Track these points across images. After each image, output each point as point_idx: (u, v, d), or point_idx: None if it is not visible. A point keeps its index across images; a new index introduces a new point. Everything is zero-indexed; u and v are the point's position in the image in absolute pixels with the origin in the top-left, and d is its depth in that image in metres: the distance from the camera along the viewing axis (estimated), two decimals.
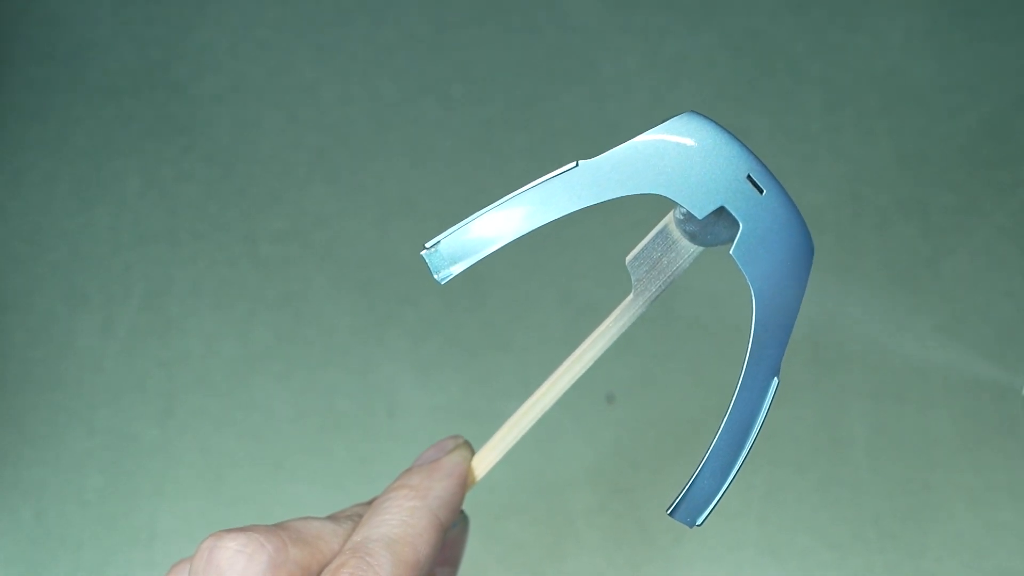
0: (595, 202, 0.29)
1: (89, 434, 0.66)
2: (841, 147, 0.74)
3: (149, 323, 0.69)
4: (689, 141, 0.29)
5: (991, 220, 0.73)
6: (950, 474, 0.66)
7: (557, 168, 0.29)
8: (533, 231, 0.30)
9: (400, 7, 0.78)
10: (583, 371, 0.34)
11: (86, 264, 0.70)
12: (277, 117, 0.75)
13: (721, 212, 0.29)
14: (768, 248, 0.29)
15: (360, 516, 0.32)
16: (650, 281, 0.32)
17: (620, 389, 0.68)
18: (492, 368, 0.68)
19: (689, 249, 0.31)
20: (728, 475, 0.31)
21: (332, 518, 0.32)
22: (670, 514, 0.31)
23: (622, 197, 0.29)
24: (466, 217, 0.30)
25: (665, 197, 0.29)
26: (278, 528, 0.30)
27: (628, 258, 0.32)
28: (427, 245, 0.30)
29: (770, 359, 0.30)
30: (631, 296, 0.32)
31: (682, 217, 0.31)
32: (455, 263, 0.30)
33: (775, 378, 0.30)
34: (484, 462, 0.34)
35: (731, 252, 0.29)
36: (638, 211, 0.72)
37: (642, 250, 0.32)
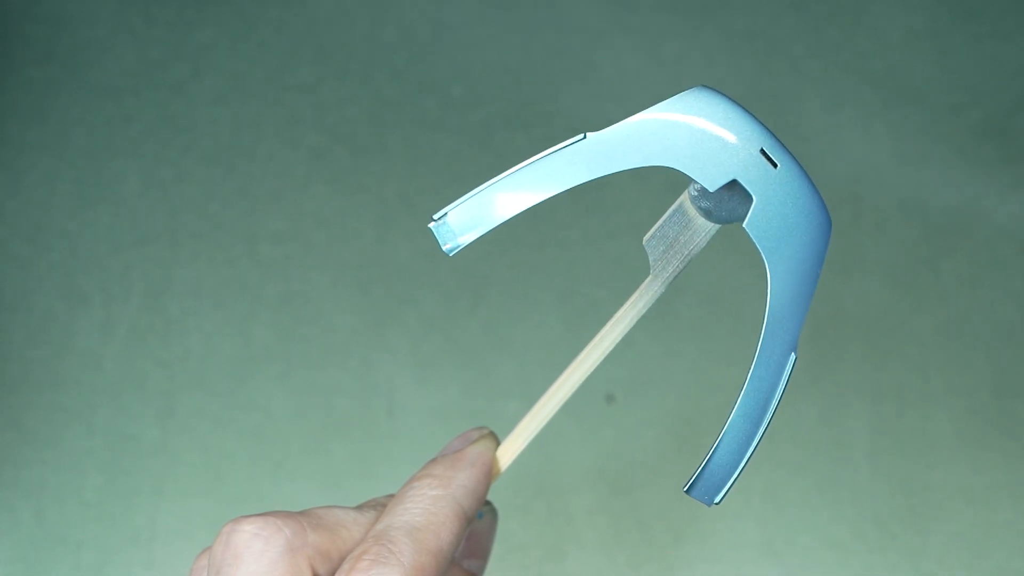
0: (603, 174, 0.29)
1: (89, 434, 0.66)
2: (841, 147, 0.74)
3: (149, 323, 0.69)
4: (700, 115, 0.29)
5: (991, 220, 0.73)
6: (950, 474, 0.66)
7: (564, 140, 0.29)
8: (541, 203, 0.29)
9: (400, 7, 0.78)
10: (603, 356, 0.34)
11: (86, 264, 0.70)
12: (277, 117, 0.75)
13: (735, 186, 0.29)
14: (783, 222, 0.29)
15: (384, 506, 0.32)
16: (667, 261, 0.32)
17: (620, 389, 0.68)
18: (492, 368, 0.68)
19: (706, 227, 0.31)
20: (746, 452, 0.30)
21: (356, 507, 0.32)
22: (687, 492, 0.30)
23: (631, 169, 0.29)
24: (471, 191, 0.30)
25: (676, 170, 0.29)
26: (298, 514, 0.30)
27: (645, 238, 0.32)
28: (435, 217, 0.30)
29: (787, 334, 0.30)
30: (649, 277, 0.32)
31: (697, 193, 0.30)
32: (463, 234, 0.30)
33: (793, 354, 0.30)
34: (509, 451, 0.34)
35: (744, 225, 0.29)
36: (639, 211, 0.72)
37: (658, 229, 0.32)
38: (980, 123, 0.75)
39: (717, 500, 0.30)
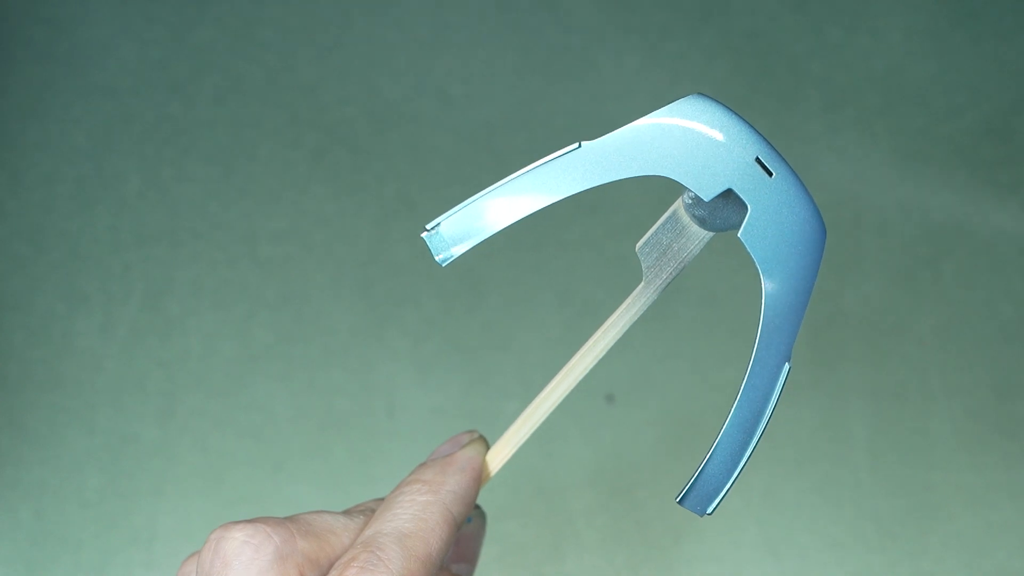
0: (598, 183, 0.29)
1: (89, 434, 0.66)
2: (841, 147, 0.74)
3: (149, 323, 0.69)
4: (695, 123, 0.28)
5: (991, 220, 0.73)
6: (950, 474, 0.66)
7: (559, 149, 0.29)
8: (534, 213, 0.29)
9: (400, 7, 0.78)
10: (594, 363, 0.33)
11: (86, 264, 0.70)
12: (277, 117, 0.75)
13: (729, 195, 0.29)
14: (777, 231, 0.29)
15: (374, 511, 0.31)
16: (661, 268, 0.32)
17: (620, 389, 0.68)
18: (492, 368, 0.68)
19: (699, 235, 0.31)
20: (739, 463, 0.30)
21: (345, 512, 0.32)
22: (680, 502, 0.30)
23: (626, 179, 0.29)
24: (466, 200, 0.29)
25: (671, 179, 0.29)
26: (287, 520, 0.30)
27: (638, 245, 0.31)
28: (428, 227, 0.29)
29: (781, 344, 0.30)
30: (642, 284, 0.32)
31: (691, 201, 0.30)
32: (456, 244, 0.29)
33: (787, 363, 0.30)
34: (499, 456, 0.34)
35: (739, 235, 0.29)
36: (638, 212, 0.72)
37: (652, 236, 0.31)
38: (980, 123, 0.75)
39: (709, 511, 0.30)
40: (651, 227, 0.31)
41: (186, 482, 0.65)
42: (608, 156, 0.29)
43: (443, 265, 0.29)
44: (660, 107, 0.29)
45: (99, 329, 0.69)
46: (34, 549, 0.64)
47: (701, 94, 0.29)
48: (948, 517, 0.65)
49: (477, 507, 0.36)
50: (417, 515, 0.30)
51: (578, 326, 0.69)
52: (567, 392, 0.34)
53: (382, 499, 0.32)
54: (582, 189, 0.29)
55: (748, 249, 0.29)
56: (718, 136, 0.28)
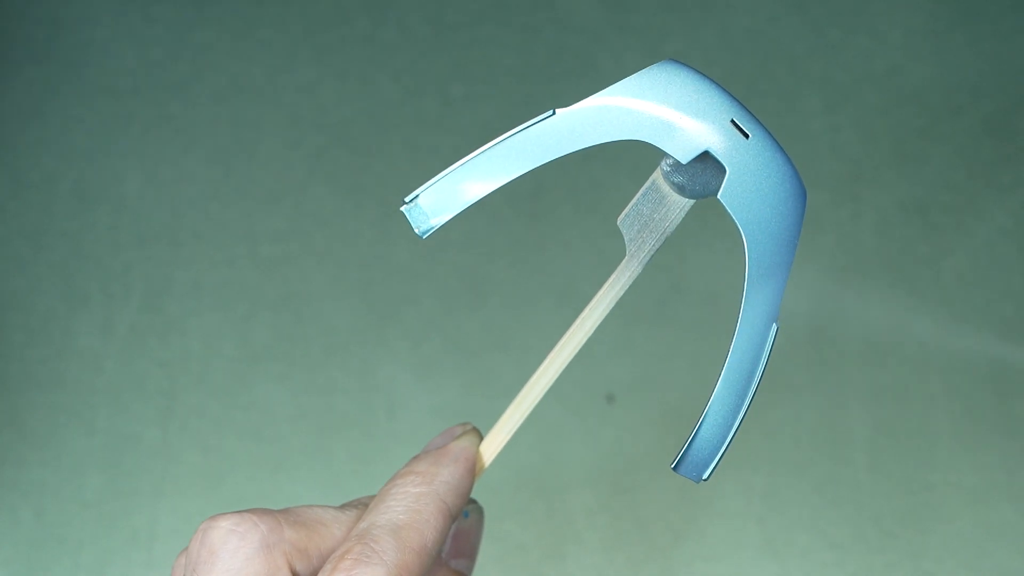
0: (574, 150, 0.29)
1: (89, 434, 0.66)
2: (841, 147, 0.74)
3: (149, 323, 0.69)
4: (669, 87, 0.29)
5: (991, 220, 0.73)
6: (950, 474, 0.66)
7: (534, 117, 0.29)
8: (512, 182, 0.29)
9: (400, 7, 0.78)
10: (583, 341, 0.33)
11: (86, 264, 0.70)
12: (277, 117, 0.75)
13: (707, 159, 0.29)
14: (757, 192, 0.29)
15: (367, 506, 0.31)
16: (643, 240, 0.32)
17: (620, 389, 0.68)
18: (492, 368, 0.68)
19: (679, 203, 0.31)
20: (731, 427, 0.30)
21: (338, 507, 0.32)
22: (675, 468, 0.30)
23: (602, 144, 0.29)
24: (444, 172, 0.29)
25: (647, 143, 0.29)
26: (276, 511, 0.30)
27: (619, 218, 0.31)
28: (406, 200, 0.29)
29: (767, 304, 0.30)
30: (626, 258, 0.32)
31: (669, 169, 0.30)
32: (435, 216, 0.29)
33: (774, 324, 0.30)
34: (493, 445, 0.34)
35: (719, 196, 0.29)
36: None
37: (632, 208, 0.31)
38: (980, 123, 0.75)
39: (705, 476, 0.30)
40: (631, 199, 0.31)
41: (186, 482, 0.65)
42: (583, 122, 0.29)
43: (423, 237, 0.29)
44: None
45: (99, 329, 0.69)
46: (34, 549, 0.64)
47: (673, 59, 0.29)
48: (948, 517, 0.65)
49: (474, 502, 0.36)
50: (411, 506, 0.30)
51: None
52: (558, 373, 0.34)
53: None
54: (558, 156, 0.29)
55: (729, 210, 0.29)
56: (693, 99, 0.29)
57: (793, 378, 0.68)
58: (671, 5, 0.78)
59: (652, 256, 0.31)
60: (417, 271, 0.71)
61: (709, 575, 0.64)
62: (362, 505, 0.32)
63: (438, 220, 0.29)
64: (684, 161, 0.29)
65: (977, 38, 0.77)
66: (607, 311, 0.33)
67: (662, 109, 0.29)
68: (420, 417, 0.67)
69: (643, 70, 0.29)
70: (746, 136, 0.29)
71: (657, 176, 0.31)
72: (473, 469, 0.33)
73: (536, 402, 0.34)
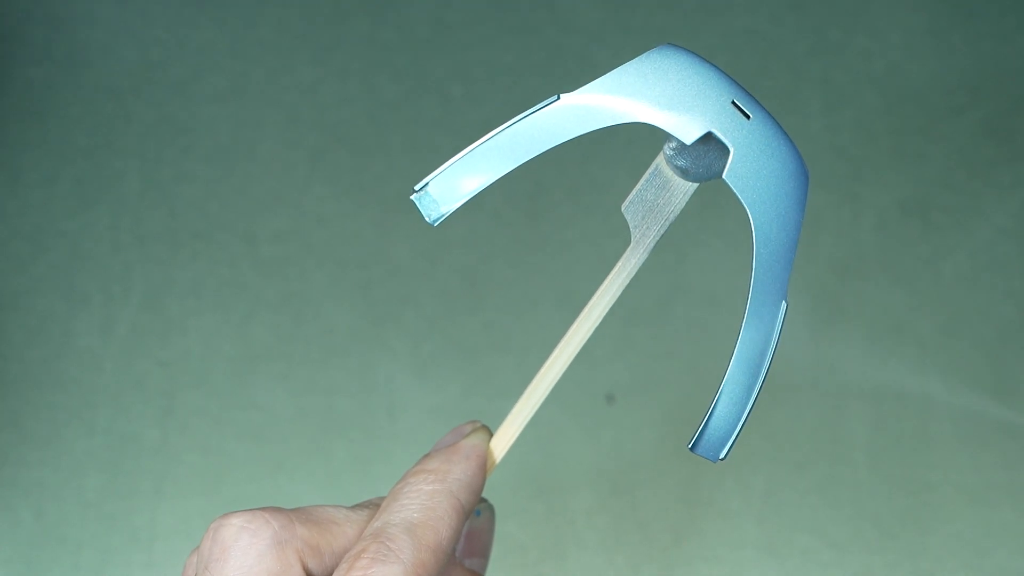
0: (580, 134, 0.29)
1: (89, 434, 0.66)
2: (841, 147, 0.74)
3: (149, 323, 0.69)
4: (670, 71, 0.29)
5: (991, 220, 0.73)
6: (950, 474, 0.66)
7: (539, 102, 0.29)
8: (513, 175, 0.29)
9: (400, 7, 0.78)
10: (591, 332, 0.33)
11: (86, 264, 0.70)
12: (277, 117, 0.75)
13: (710, 141, 0.29)
14: (761, 171, 0.29)
15: (378, 506, 0.31)
16: (648, 226, 0.32)
17: (620, 389, 0.68)
18: (492, 368, 0.68)
19: (683, 187, 0.31)
20: (746, 405, 0.30)
21: (350, 507, 0.32)
22: (692, 448, 0.30)
23: (607, 127, 0.29)
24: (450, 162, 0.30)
25: (650, 125, 0.29)
26: (288, 509, 0.30)
27: (623, 205, 0.32)
28: (416, 188, 0.30)
29: (776, 282, 0.30)
30: (631, 244, 0.32)
31: (672, 152, 0.31)
32: (446, 204, 0.30)
33: (783, 302, 0.30)
34: (503, 440, 0.34)
35: (724, 176, 0.29)
36: None
37: (636, 194, 0.32)
38: (980, 123, 0.75)
39: (722, 455, 0.30)
40: (634, 185, 0.31)
41: (186, 482, 0.65)
42: (587, 107, 0.29)
43: (434, 225, 0.29)
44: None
45: (99, 329, 0.69)
46: (34, 549, 0.64)
47: (672, 44, 0.29)
48: (948, 517, 0.65)
49: (485, 500, 0.36)
50: (425, 504, 0.30)
51: None
52: (567, 364, 0.34)
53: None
54: (564, 140, 0.29)
55: (735, 190, 0.29)
56: (694, 81, 0.29)
57: (793, 378, 0.68)
58: (671, 5, 0.78)
59: (657, 242, 0.32)
60: (417, 271, 0.71)
61: (709, 575, 0.64)
62: (374, 505, 0.32)
63: (448, 208, 0.30)
64: (688, 143, 0.29)
65: (977, 38, 0.77)
66: (615, 299, 0.33)
67: (664, 92, 0.29)
68: (420, 417, 0.67)
69: (643, 54, 0.29)
70: (747, 117, 0.29)
71: (660, 161, 0.31)
72: (485, 466, 0.33)
73: (546, 395, 0.34)
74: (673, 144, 0.30)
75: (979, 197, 0.73)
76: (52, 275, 0.70)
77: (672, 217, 0.31)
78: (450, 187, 0.30)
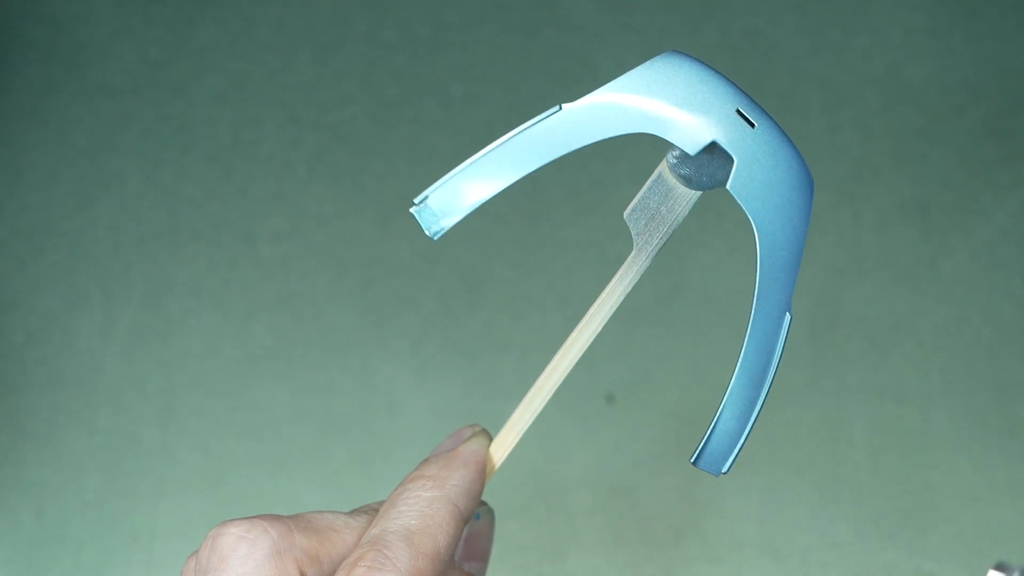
0: (582, 145, 0.29)
1: (89, 434, 0.66)
2: (841, 147, 0.74)
3: (149, 323, 0.69)
4: (674, 79, 0.28)
5: (991, 220, 0.73)
6: (950, 474, 0.66)
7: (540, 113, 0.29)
8: (521, 179, 0.29)
9: (400, 7, 0.78)
10: (592, 339, 0.33)
11: (86, 264, 0.70)
12: (277, 117, 0.75)
13: (713, 150, 0.29)
14: (765, 181, 0.29)
15: (377, 511, 0.31)
16: (650, 233, 0.31)
17: (620, 389, 0.68)
18: (492, 369, 0.68)
19: (686, 195, 0.31)
20: (749, 419, 0.30)
21: (348, 512, 0.32)
22: (694, 463, 0.30)
23: (610, 138, 0.29)
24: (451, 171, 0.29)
25: (654, 136, 0.29)
26: (286, 517, 0.30)
27: (626, 212, 0.31)
28: (415, 201, 0.29)
29: (780, 294, 0.29)
30: (633, 252, 0.31)
31: (675, 161, 0.30)
32: (446, 217, 0.29)
33: (787, 314, 0.30)
34: (503, 446, 0.33)
35: (728, 187, 0.29)
36: None
37: (639, 202, 0.31)
38: (980, 123, 0.75)
39: (724, 469, 0.30)
40: (636, 192, 0.31)
41: (186, 482, 0.65)
42: (590, 117, 0.29)
43: (435, 239, 0.29)
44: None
45: (99, 329, 0.69)
46: (34, 549, 0.64)
47: (676, 51, 0.29)
48: (948, 517, 0.65)
49: (484, 504, 0.35)
50: (423, 511, 0.30)
51: None
52: (567, 371, 0.33)
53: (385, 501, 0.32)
54: (565, 152, 0.29)
55: (739, 200, 0.29)
56: (698, 90, 0.28)
57: (793, 378, 0.68)
58: (671, 5, 0.78)
59: (660, 249, 0.31)
60: (417, 271, 0.71)
61: (709, 575, 0.64)
62: (372, 511, 0.32)
63: (448, 221, 0.29)
64: (692, 153, 0.29)
65: (977, 38, 0.77)
66: (616, 306, 0.32)
67: (667, 101, 0.28)
68: (420, 417, 0.67)
69: (647, 62, 0.28)
70: (752, 125, 0.28)
71: (663, 168, 0.31)
72: (484, 471, 0.32)
73: (546, 401, 0.33)
74: (676, 152, 0.30)
75: (979, 197, 0.73)
76: (52, 275, 0.70)
77: (675, 225, 0.31)
78: (450, 200, 0.29)
